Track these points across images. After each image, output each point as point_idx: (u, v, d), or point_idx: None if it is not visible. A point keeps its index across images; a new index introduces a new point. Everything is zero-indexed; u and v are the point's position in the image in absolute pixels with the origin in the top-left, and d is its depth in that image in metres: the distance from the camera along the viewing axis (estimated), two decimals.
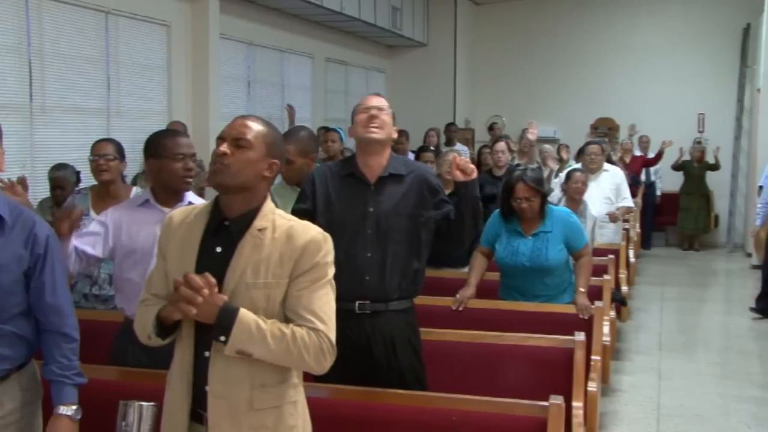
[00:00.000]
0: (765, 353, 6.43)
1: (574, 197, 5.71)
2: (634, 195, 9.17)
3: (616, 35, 12.38)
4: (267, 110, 8.56)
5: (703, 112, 12.03)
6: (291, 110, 8.32)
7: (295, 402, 2.18)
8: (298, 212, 3.07)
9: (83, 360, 3.06)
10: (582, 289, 4.30)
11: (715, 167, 11.21)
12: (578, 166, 6.57)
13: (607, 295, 4.87)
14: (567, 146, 9.33)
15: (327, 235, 2.16)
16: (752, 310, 7.48)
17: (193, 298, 1.99)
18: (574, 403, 3.33)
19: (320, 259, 2.11)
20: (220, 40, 7.44)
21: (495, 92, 12.80)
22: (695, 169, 11.21)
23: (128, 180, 5.57)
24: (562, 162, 8.41)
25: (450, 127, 10.85)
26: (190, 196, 3.17)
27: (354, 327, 3.04)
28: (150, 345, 2.21)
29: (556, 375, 3.50)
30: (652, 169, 11.30)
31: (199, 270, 2.07)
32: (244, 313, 2.03)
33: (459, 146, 10.19)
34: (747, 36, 11.75)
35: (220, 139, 2.16)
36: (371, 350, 3.09)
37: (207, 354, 2.10)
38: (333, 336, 2.11)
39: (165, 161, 3.04)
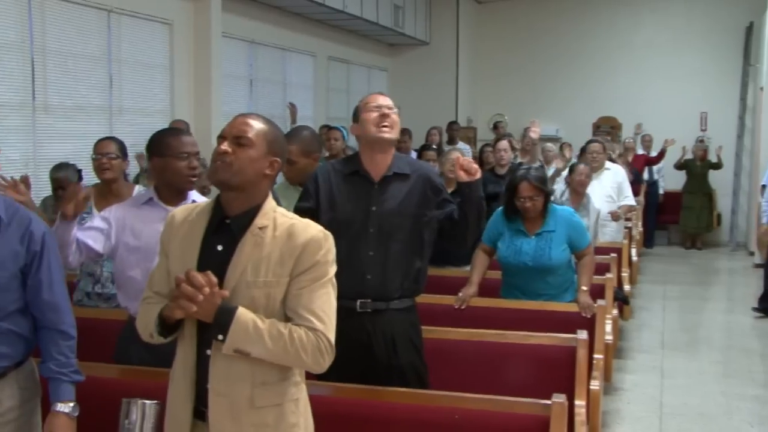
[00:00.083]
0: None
1: (578, 190, 5.71)
2: (636, 193, 9.17)
3: (619, 33, 12.37)
4: (269, 109, 8.56)
5: (705, 110, 12.02)
6: (293, 108, 8.32)
7: (296, 400, 2.18)
8: (301, 210, 3.06)
9: (86, 358, 3.06)
10: (584, 288, 4.29)
11: (717, 166, 11.20)
12: None
13: (609, 293, 4.86)
14: (570, 145, 9.32)
15: (328, 233, 2.15)
16: (755, 309, 7.46)
17: (195, 295, 1.99)
18: (577, 402, 3.32)
19: (321, 257, 2.11)
20: (222, 39, 7.44)
21: (497, 91, 12.79)
22: (698, 167, 11.19)
23: (130, 178, 5.58)
24: (565, 161, 8.39)
25: (452, 125, 10.85)
26: (194, 194, 3.16)
27: (355, 325, 3.03)
28: (152, 343, 2.21)
29: (558, 373, 3.50)
30: (654, 167, 11.28)
31: (201, 268, 2.07)
32: (241, 312, 2.03)
33: (461, 145, 10.17)
34: (750, 34, 11.73)
35: (221, 137, 2.16)
36: (372, 349, 3.08)
37: (208, 352, 2.10)
38: (332, 336, 2.10)
39: (169, 160, 3.03)
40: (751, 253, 10.46)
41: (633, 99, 12.08)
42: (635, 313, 7.27)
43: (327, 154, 6.23)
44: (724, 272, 10.47)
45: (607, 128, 12.21)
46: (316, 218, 3.02)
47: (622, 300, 5.92)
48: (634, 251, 7.40)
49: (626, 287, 6.26)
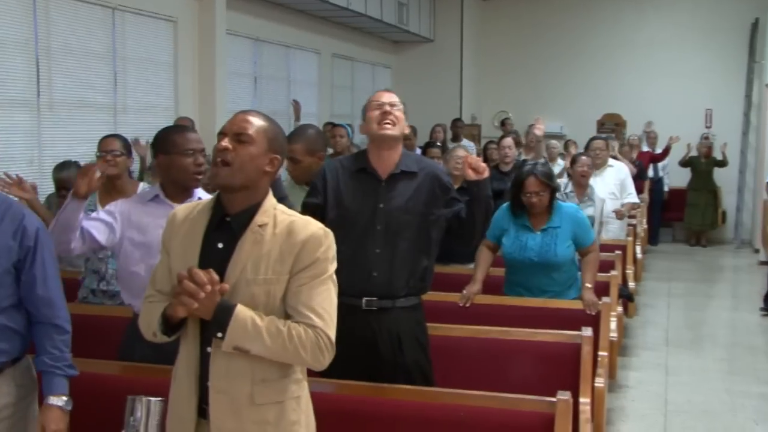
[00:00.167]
0: None
1: (581, 182, 5.70)
2: (640, 189, 9.15)
3: (624, 30, 12.33)
4: (273, 106, 8.56)
5: (710, 107, 11.99)
6: (297, 106, 8.33)
7: (298, 397, 2.18)
8: (308, 206, 3.08)
9: (91, 355, 3.08)
10: (589, 285, 4.29)
11: (722, 163, 11.17)
12: None
13: (614, 290, 4.86)
14: (575, 142, 9.31)
15: (328, 230, 2.15)
16: (762, 309, 7.43)
17: (196, 293, 2.00)
18: (581, 399, 3.32)
19: (321, 254, 2.10)
20: (226, 36, 7.44)
21: (501, 88, 12.78)
22: (702, 164, 11.17)
23: (134, 176, 5.58)
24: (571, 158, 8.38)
25: (456, 122, 10.83)
26: (199, 192, 3.16)
27: (360, 323, 3.03)
28: (155, 342, 2.21)
29: (563, 371, 3.49)
30: (659, 164, 11.26)
31: (202, 265, 2.07)
32: (240, 309, 2.03)
33: (465, 142, 10.17)
34: (755, 31, 11.69)
35: (222, 134, 2.17)
36: (377, 346, 3.08)
37: (209, 350, 2.11)
38: (332, 332, 2.10)
39: (175, 157, 3.03)
40: (756, 251, 10.44)
41: (638, 96, 12.05)
42: (640, 311, 7.26)
43: (332, 151, 6.22)
44: (728, 269, 10.45)
45: (611, 125, 12.18)
46: (323, 214, 3.03)
47: (626, 297, 5.91)
48: (638, 248, 7.38)
49: (631, 284, 6.24)
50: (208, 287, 2.00)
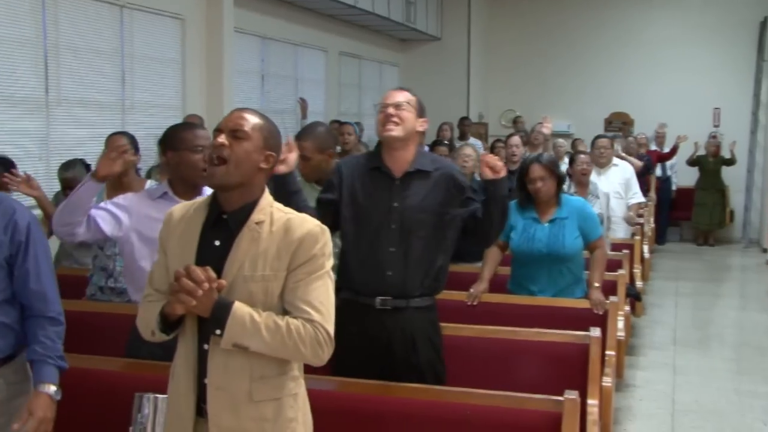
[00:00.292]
0: None
1: (581, 180, 5.68)
2: (647, 185, 9.10)
3: (631, 28, 12.30)
4: (280, 104, 8.57)
5: (718, 106, 11.94)
6: (303, 103, 8.33)
7: (295, 395, 2.19)
8: (323, 202, 3.08)
9: (99, 352, 3.09)
10: (596, 284, 4.27)
11: (730, 162, 11.12)
12: None
13: (621, 290, 4.84)
14: (582, 141, 9.29)
15: (324, 227, 2.16)
16: None
17: (194, 290, 2.00)
18: (589, 399, 3.31)
19: (317, 251, 2.11)
20: (234, 34, 7.45)
21: (509, 86, 12.76)
22: (710, 163, 11.13)
23: (142, 173, 5.58)
24: None
25: (464, 121, 10.83)
26: (208, 189, 3.16)
27: (374, 323, 3.03)
28: (153, 341, 2.22)
29: (570, 370, 3.49)
30: (667, 163, 11.22)
31: (199, 263, 2.07)
32: (238, 306, 2.04)
33: (472, 140, 10.16)
34: (764, 29, 11.65)
35: (218, 130, 2.17)
36: (391, 346, 3.06)
37: (206, 347, 2.11)
38: (330, 327, 2.10)
39: (184, 153, 3.04)
40: (764, 250, 10.41)
41: (645, 94, 12.01)
42: (647, 310, 7.24)
43: (340, 149, 6.22)
44: (736, 269, 10.42)
45: (618, 124, 12.15)
46: (337, 210, 3.04)
47: (634, 296, 5.89)
48: (646, 248, 7.37)
49: (638, 284, 6.23)
50: (206, 284, 2.01)
